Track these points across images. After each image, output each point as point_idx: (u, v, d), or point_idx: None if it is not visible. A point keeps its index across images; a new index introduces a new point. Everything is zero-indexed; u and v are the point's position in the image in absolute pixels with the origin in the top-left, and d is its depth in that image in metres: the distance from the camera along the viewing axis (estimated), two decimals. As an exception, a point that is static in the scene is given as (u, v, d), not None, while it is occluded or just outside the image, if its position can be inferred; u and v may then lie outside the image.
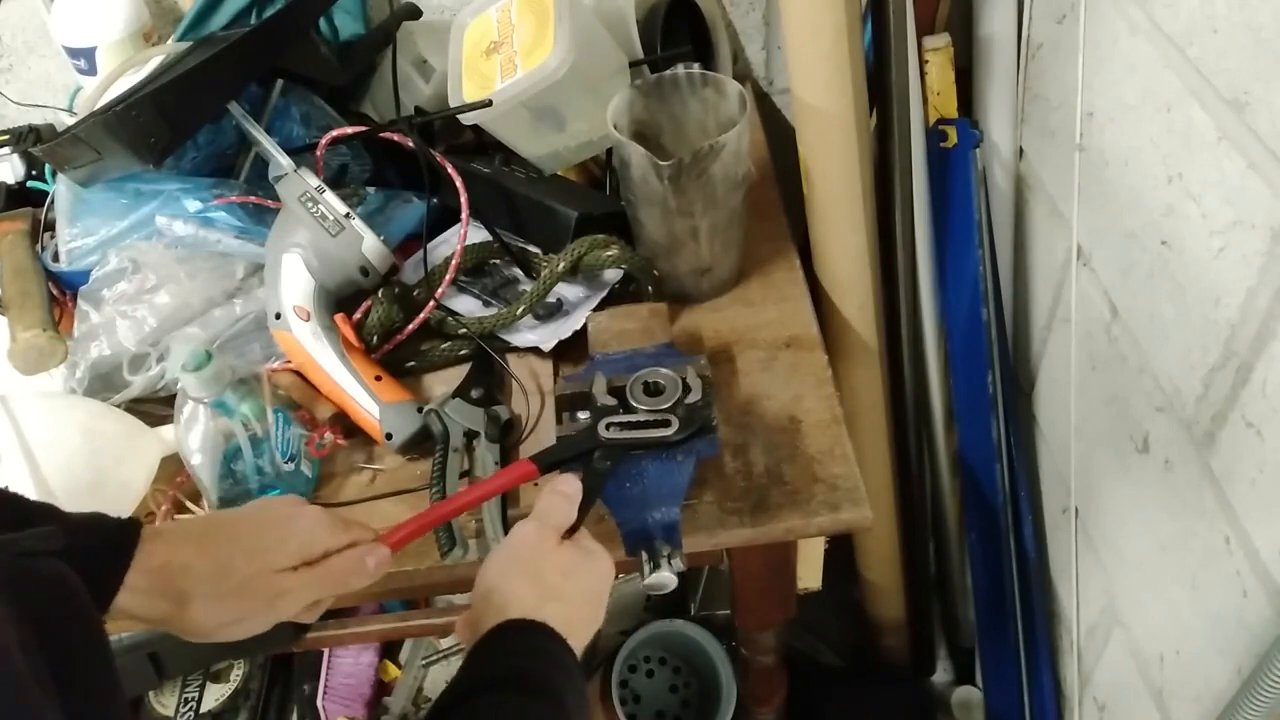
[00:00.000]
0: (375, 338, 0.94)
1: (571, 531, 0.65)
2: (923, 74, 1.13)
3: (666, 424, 0.72)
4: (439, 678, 1.66)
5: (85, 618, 0.48)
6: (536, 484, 0.83)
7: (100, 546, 0.61)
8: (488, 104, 0.93)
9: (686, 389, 0.77)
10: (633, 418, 0.73)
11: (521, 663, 0.56)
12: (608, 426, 0.73)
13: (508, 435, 0.89)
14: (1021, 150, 1.12)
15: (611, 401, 0.78)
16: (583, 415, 0.80)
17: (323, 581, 0.66)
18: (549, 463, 0.72)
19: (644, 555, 0.70)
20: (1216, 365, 0.75)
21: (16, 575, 0.46)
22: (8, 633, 0.40)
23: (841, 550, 1.35)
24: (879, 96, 1.05)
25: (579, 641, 0.60)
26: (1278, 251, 0.65)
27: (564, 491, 0.67)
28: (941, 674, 1.48)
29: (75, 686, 0.43)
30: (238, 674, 1.44)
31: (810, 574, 1.13)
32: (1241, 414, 0.72)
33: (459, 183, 0.97)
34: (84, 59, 1.13)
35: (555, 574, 0.62)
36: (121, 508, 0.85)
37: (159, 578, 0.61)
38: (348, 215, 0.92)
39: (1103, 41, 0.89)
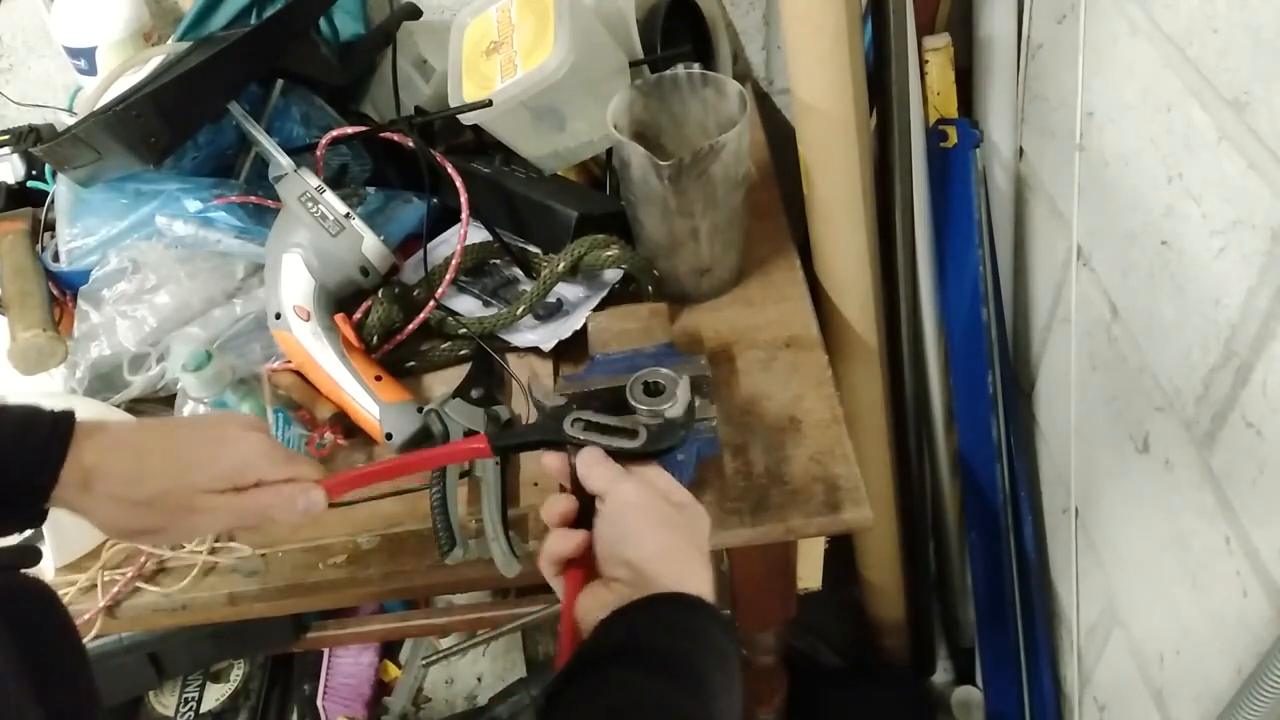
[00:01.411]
0: (375, 338, 0.94)
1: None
2: (923, 74, 1.14)
3: (634, 435, 0.67)
4: (439, 678, 1.66)
5: (63, 626, 0.48)
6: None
7: (37, 442, 0.60)
8: (488, 104, 0.93)
9: (673, 400, 0.73)
10: (602, 419, 0.68)
11: (671, 640, 0.51)
12: (573, 423, 0.68)
13: (508, 435, 0.89)
14: (1021, 150, 1.12)
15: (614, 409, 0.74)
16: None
17: (245, 510, 0.65)
18: (504, 445, 0.71)
19: None
20: (1217, 365, 0.75)
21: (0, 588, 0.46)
22: None
23: (841, 550, 1.35)
24: (879, 96, 1.05)
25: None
26: (1278, 251, 0.65)
27: (592, 459, 0.63)
28: (941, 674, 1.48)
29: (54, 689, 0.44)
30: (238, 674, 1.44)
31: (810, 574, 1.13)
32: (1241, 414, 0.72)
33: (459, 183, 0.97)
34: (84, 59, 1.13)
35: (683, 522, 0.59)
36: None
37: (82, 475, 0.61)
38: (348, 215, 0.92)
39: (1103, 42, 0.89)
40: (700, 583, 0.56)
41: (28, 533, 0.75)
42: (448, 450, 0.71)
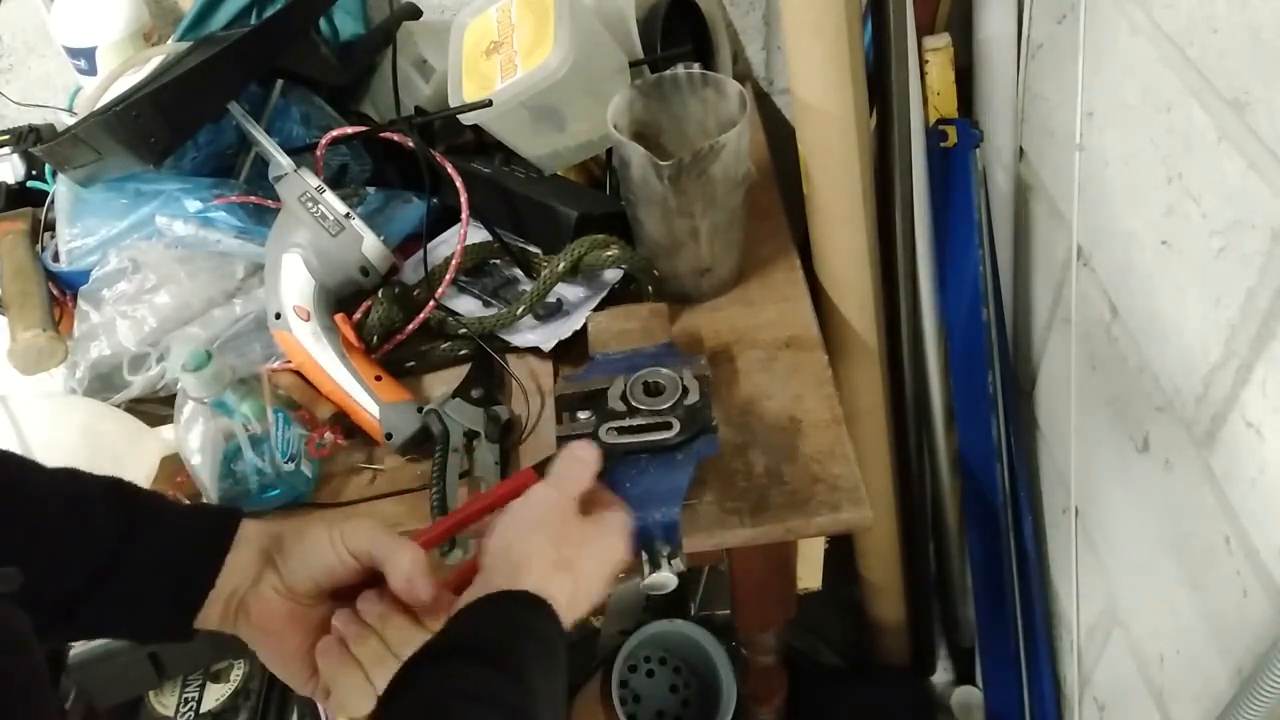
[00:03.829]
0: (375, 338, 0.94)
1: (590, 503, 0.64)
2: (923, 74, 1.13)
3: (668, 426, 0.72)
4: (439, 678, 1.66)
5: (25, 668, 0.45)
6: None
7: (200, 530, 0.61)
8: (488, 104, 0.93)
9: (685, 391, 0.77)
10: (634, 421, 0.73)
11: (504, 637, 0.54)
12: (608, 430, 0.72)
13: (508, 435, 0.89)
14: (1022, 150, 1.12)
15: (621, 407, 0.77)
16: (583, 415, 0.80)
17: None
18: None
19: (644, 555, 0.70)
20: (1217, 365, 0.75)
21: None
22: None
23: (841, 550, 1.35)
24: (879, 96, 1.05)
25: (574, 615, 0.59)
26: (1278, 251, 0.65)
27: (582, 458, 0.66)
28: (941, 674, 1.48)
29: None
30: (238, 674, 1.44)
31: (810, 574, 1.14)
32: (1241, 414, 0.72)
33: (459, 183, 0.97)
34: (84, 59, 1.13)
35: (572, 545, 0.60)
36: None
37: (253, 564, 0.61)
38: (348, 215, 0.92)
39: (1103, 41, 0.89)
40: (540, 584, 0.57)
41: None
42: (498, 493, 0.69)
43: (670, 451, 0.73)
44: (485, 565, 0.59)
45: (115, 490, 0.60)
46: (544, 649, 0.55)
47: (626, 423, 0.73)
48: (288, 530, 0.62)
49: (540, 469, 0.69)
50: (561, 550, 0.60)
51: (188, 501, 0.85)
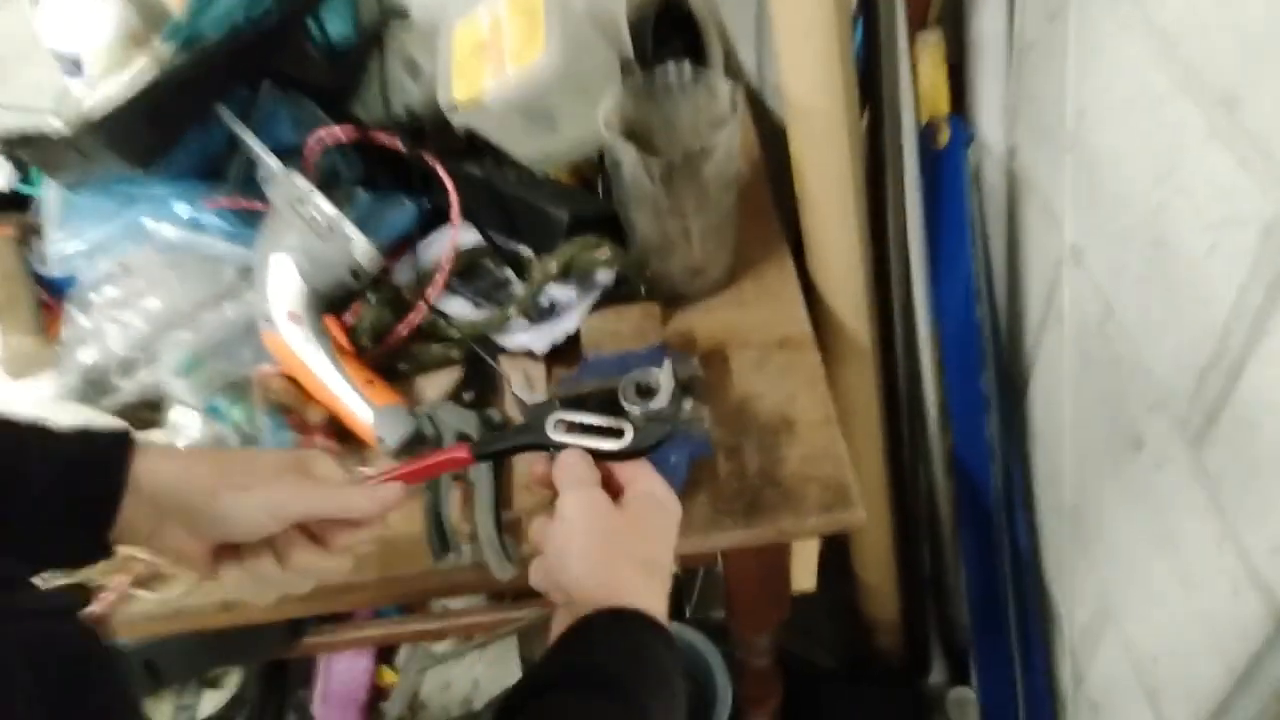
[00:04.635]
0: (366, 340, 0.94)
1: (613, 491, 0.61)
2: (914, 72, 1.13)
3: (619, 434, 0.64)
4: (435, 683, 1.66)
5: (109, 684, 0.45)
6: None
7: (100, 450, 0.59)
8: (479, 105, 0.93)
9: (650, 392, 0.71)
10: (586, 419, 0.65)
11: (606, 660, 0.51)
12: (555, 425, 0.65)
13: (500, 438, 0.88)
14: (1014, 148, 1.12)
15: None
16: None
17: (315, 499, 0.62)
18: (485, 452, 0.68)
19: None
20: (1209, 363, 0.75)
21: (37, 642, 0.43)
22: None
23: (836, 551, 1.35)
24: (870, 95, 1.05)
25: (668, 588, 0.56)
26: (1269, 248, 0.65)
27: (569, 462, 0.62)
28: (936, 674, 1.48)
29: None
30: (234, 681, 1.44)
31: (804, 575, 1.14)
32: (1234, 412, 0.72)
33: (449, 184, 0.97)
34: (72, 63, 1.12)
35: (635, 538, 0.57)
36: (111, 513, 0.85)
37: (150, 486, 0.59)
38: (338, 218, 0.92)
39: (1094, 39, 0.89)
40: (635, 595, 0.54)
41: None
42: (427, 463, 0.67)
43: (663, 452, 0.72)
44: (575, 599, 0.55)
45: None
46: (658, 673, 0.51)
47: (579, 418, 0.65)
48: (192, 497, 0.59)
49: (476, 448, 0.66)
50: (635, 550, 0.56)
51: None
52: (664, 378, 0.70)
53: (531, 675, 0.52)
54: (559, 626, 0.55)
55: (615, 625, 0.53)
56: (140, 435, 0.61)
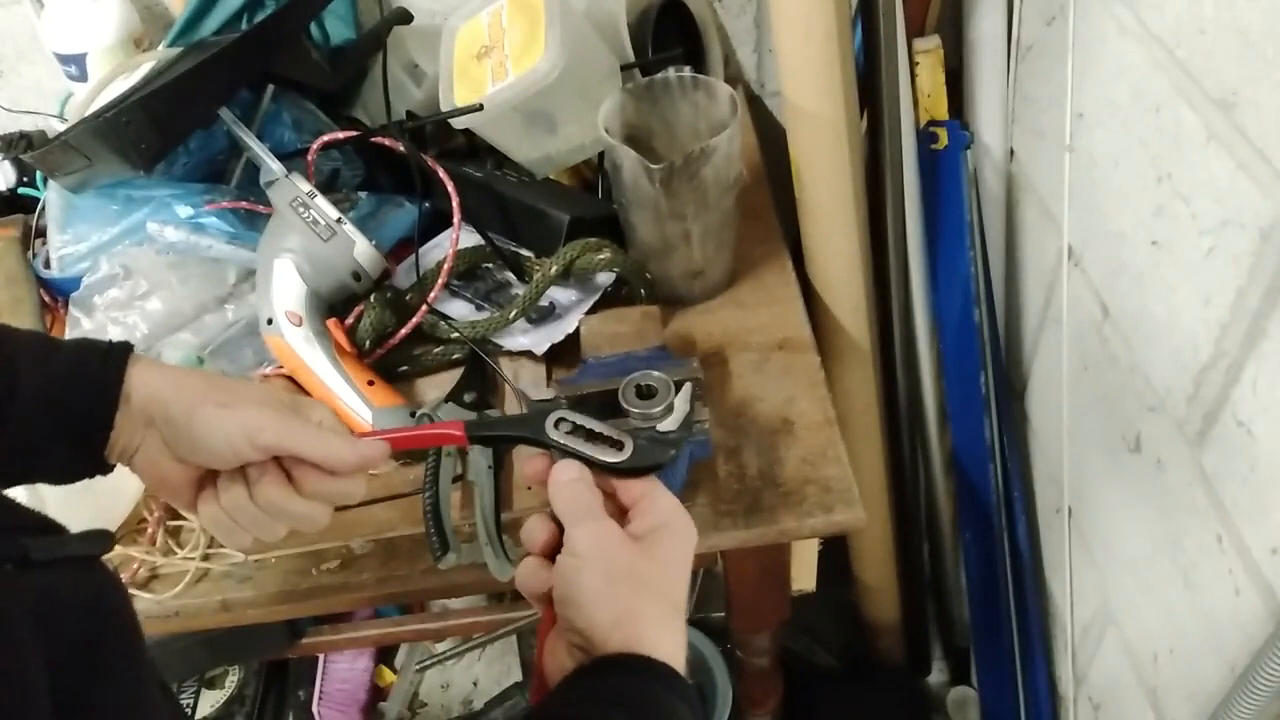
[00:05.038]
0: (367, 342, 0.94)
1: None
2: (913, 76, 1.14)
3: (619, 446, 0.60)
4: (434, 683, 1.66)
5: (120, 635, 0.46)
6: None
7: (94, 365, 0.59)
8: (479, 108, 0.94)
9: (669, 409, 0.68)
10: (589, 423, 0.62)
11: (622, 715, 0.47)
12: (557, 423, 0.62)
13: (501, 439, 0.89)
14: (1012, 151, 1.13)
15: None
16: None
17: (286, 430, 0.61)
18: (479, 435, 0.65)
19: None
20: (1207, 365, 0.75)
21: (44, 602, 0.43)
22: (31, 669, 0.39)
23: (836, 552, 1.35)
24: (869, 99, 1.06)
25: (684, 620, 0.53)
26: (1267, 251, 0.66)
27: (563, 480, 0.57)
28: (937, 674, 1.48)
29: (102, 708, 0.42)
30: (233, 680, 1.44)
31: (804, 575, 1.13)
32: (1232, 413, 0.72)
33: (451, 187, 0.97)
34: (75, 65, 1.13)
35: (655, 574, 0.53)
36: (114, 514, 0.85)
37: (143, 399, 0.59)
38: (339, 220, 0.92)
39: (1092, 43, 0.89)
40: (657, 641, 0.50)
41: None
42: (418, 434, 0.65)
43: (659, 469, 0.69)
44: (590, 641, 0.51)
45: None
46: None
47: (582, 422, 0.62)
48: (175, 407, 0.59)
49: (470, 428, 0.64)
50: (656, 583, 0.52)
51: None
52: (679, 401, 0.67)
53: (540, 716, 0.49)
54: (562, 658, 0.52)
55: (633, 676, 0.49)
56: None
